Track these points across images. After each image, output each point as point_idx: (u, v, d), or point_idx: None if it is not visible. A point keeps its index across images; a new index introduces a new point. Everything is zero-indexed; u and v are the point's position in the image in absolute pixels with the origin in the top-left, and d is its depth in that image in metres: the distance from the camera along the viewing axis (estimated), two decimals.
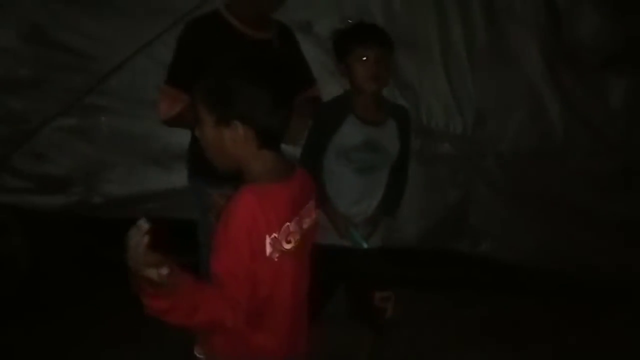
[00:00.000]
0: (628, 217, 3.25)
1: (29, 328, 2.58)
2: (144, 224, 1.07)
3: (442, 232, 3.38)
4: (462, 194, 3.34)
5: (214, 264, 1.19)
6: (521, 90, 3.22)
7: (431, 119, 3.22)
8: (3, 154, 3.13)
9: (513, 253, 3.32)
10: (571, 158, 3.28)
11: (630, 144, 3.23)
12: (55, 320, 2.64)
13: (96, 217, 3.16)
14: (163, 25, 2.91)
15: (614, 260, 3.23)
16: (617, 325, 2.93)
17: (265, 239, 1.19)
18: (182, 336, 1.26)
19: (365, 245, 2.06)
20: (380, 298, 2.08)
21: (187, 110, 1.83)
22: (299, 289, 1.34)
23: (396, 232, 3.03)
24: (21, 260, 2.97)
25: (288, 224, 1.24)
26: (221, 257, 1.19)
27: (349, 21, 2.92)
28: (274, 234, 1.20)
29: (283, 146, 1.84)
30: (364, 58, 2.01)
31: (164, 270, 1.07)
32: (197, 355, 1.35)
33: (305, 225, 1.31)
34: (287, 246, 1.24)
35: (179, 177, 2.91)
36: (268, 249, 1.20)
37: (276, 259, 1.21)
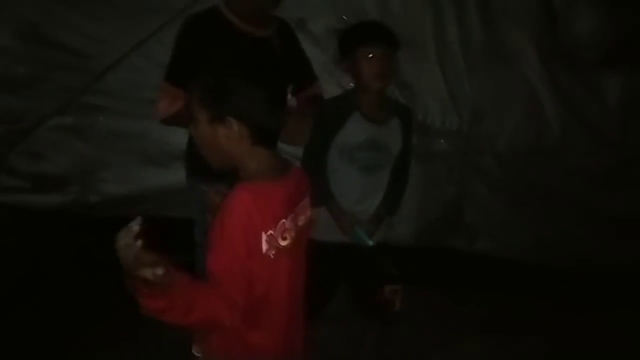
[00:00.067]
0: (624, 213, 3.27)
1: (25, 328, 2.57)
2: (134, 226, 1.07)
3: (438, 230, 3.39)
4: (458, 192, 3.35)
5: (210, 262, 1.19)
6: (517, 88, 3.23)
7: (427, 117, 3.23)
8: None
9: (509, 249, 3.33)
10: (567, 155, 3.29)
11: (627, 141, 3.25)
12: (52, 320, 2.63)
13: (93, 216, 3.16)
14: (159, 23, 2.91)
15: (610, 256, 3.25)
16: (614, 320, 2.92)
17: (261, 236, 1.19)
18: (180, 336, 1.27)
19: (370, 243, 2.06)
20: (390, 291, 2.10)
21: (185, 108, 1.82)
22: (295, 287, 1.34)
23: (393, 229, 3.04)
24: (17, 259, 2.96)
25: (284, 220, 1.24)
26: (217, 255, 1.19)
27: (344, 17, 2.93)
28: (270, 231, 1.20)
29: (284, 146, 1.86)
30: (370, 55, 2.01)
31: (159, 270, 1.07)
32: (195, 354, 1.35)
33: (300, 223, 1.32)
34: (283, 243, 1.24)
35: (176, 176, 2.91)
36: (264, 246, 1.20)
37: (272, 256, 1.21)
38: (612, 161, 3.27)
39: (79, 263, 3.01)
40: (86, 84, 3.07)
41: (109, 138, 3.16)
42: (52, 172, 3.20)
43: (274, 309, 1.27)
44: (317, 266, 2.07)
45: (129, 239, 1.06)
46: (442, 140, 3.26)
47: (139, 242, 1.06)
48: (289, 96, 2.08)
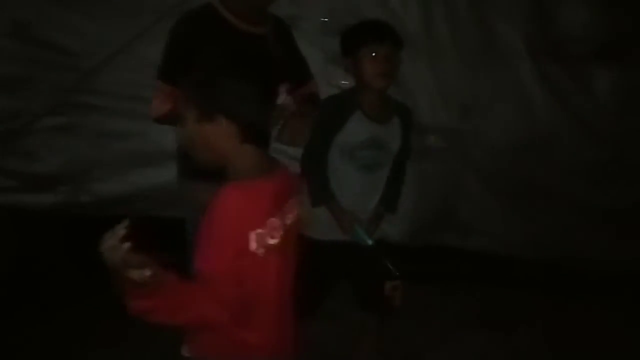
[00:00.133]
0: (616, 207, 3.29)
1: (17, 328, 2.56)
2: (120, 229, 1.07)
3: (431, 226, 3.41)
4: (450, 188, 3.36)
5: (199, 261, 1.19)
6: (508, 83, 3.25)
7: (418, 114, 3.23)
8: None
9: (502, 245, 3.35)
10: (559, 150, 3.31)
11: (617, 135, 3.27)
12: (45, 320, 2.63)
13: (86, 215, 3.15)
14: (151, 20, 2.90)
15: (603, 250, 3.28)
16: (607, 314, 2.96)
17: (249, 234, 1.19)
18: (170, 337, 1.26)
19: (370, 243, 2.06)
20: (390, 288, 2.10)
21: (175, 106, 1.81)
22: (284, 285, 1.34)
23: (385, 226, 3.05)
24: (10, 259, 2.95)
25: (272, 219, 1.24)
26: (206, 254, 1.19)
27: (324, 19, 2.91)
28: (259, 230, 1.21)
29: (284, 147, 1.85)
30: (374, 54, 2.00)
31: (146, 272, 1.07)
32: (185, 354, 1.35)
33: (288, 221, 1.32)
34: (272, 242, 1.24)
35: (168, 175, 2.90)
36: (253, 245, 1.20)
37: (261, 255, 1.21)
38: (603, 155, 3.29)
39: (72, 263, 3.00)
40: (78, 83, 3.06)
41: (102, 137, 3.15)
42: (45, 171, 3.20)
43: (263, 308, 1.27)
44: (316, 264, 2.09)
45: (114, 242, 1.06)
46: (433, 137, 3.28)
47: (126, 245, 1.06)
48: (285, 95, 2.08)
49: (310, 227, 2.12)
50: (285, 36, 2.13)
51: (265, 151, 1.33)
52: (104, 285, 1.10)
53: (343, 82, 3.10)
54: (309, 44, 2.77)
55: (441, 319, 2.95)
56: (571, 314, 3.00)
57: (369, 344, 2.36)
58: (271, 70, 1.92)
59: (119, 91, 3.05)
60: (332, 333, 2.51)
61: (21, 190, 3.20)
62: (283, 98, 2.03)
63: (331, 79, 2.85)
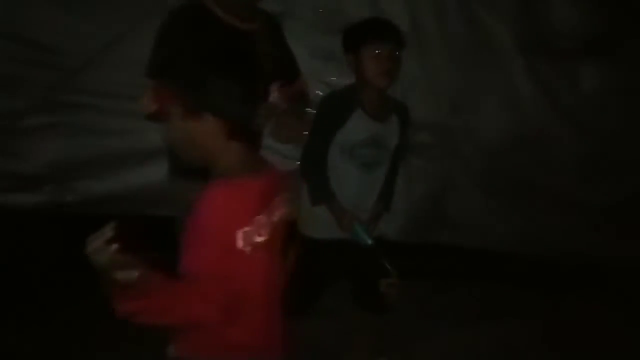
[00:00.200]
0: (606, 202, 3.32)
1: (3, 328, 2.53)
2: (106, 231, 1.06)
3: (420, 223, 3.41)
4: (439, 184, 3.37)
5: (186, 260, 1.18)
6: (497, 79, 3.26)
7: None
8: None
9: (494, 241, 3.37)
10: (548, 146, 3.33)
11: (606, 131, 3.29)
12: (35, 320, 2.60)
13: (74, 214, 3.12)
14: (138, 17, 2.87)
15: (595, 246, 3.31)
16: (595, 308, 2.99)
17: (236, 232, 1.18)
18: (158, 338, 1.25)
19: (369, 242, 2.05)
20: (386, 284, 2.11)
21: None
22: (273, 282, 1.34)
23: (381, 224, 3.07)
24: None
25: (259, 217, 1.24)
26: (192, 253, 1.18)
27: (320, 10, 2.90)
28: (246, 228, 1.20)
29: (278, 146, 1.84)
30: (377, 52, 2.00)
31: (134, 273, 1.07)
32: (171, 355, 1.33)
33: (275, 219, 1.31)
34: (259, 239, 1.23)
35: (157, 173, 2.89)
36: (240, 243, 1.19)
37: (248, 253, 1.20)
38: (592, 151, 3.31)
39: (60, 262, 2.97)
40: (63, 81, 3.03)
41: (89, 136, 3.12)
42: (32, 170, 3.16)
43: (251, 305, 1.27)
44: (314, 262, 2.09)
45: (99, 243, 1.06)
46: (422, 133, 3.28)
47: (113, 247, 1.05)
48: (276, 93, 2.07)
49: (308, 225, 2.13)
50: (275, 33, 2.12)
51: (255, 149, 1.32)
52: (94, 285, 1.09)
53: (332, 78, 3.11)
54: (296, 41, 2.77)
55: (434, 315, 2.96)
56: (564, 309, 3.03)
57: (365, 342, 2.36)
58: (260, 67, 1.91)
59: (106, 89, 3.02)
60: (329, 330, 2.52)
61: (7, 190, 3.16)
62: (274, 96, 2.02)
63: (319, 76, 2.84)
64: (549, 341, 2.80)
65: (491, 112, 3.31)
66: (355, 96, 2.07)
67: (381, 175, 2.17)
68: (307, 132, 2.05)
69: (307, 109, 2.21)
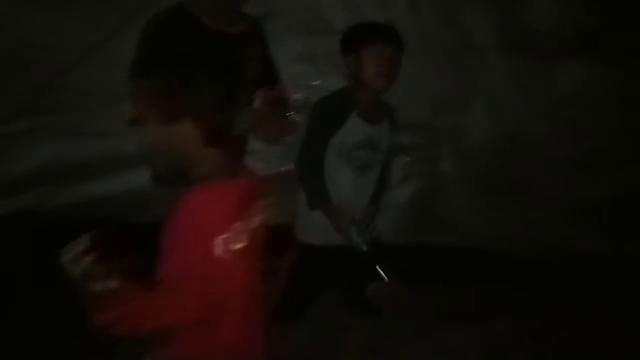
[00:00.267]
0: (584, 199, 3.36)
1: None
2: (80, 243, 1.06)
3: (405, 223, 3.43)
4: (423, 185, 3.39)
5: (163, 267, 1.17)
6: (479, 79, 3.28)
7: None
8: None
9: (480, 240, 3.40)
10: (531, 145, 3.36)
11: (588, 129, 3.33)
12: (18, 330, 2.56)
13: (54, 221, 3.09)
14: (125, 16, 2.86)
15: (581, 244, 3.36)
16: (582, 307, 3.03)
17: (214, 239, 1.18)
18: (134, 349, 1.25)
19: (365, 249, 2.03)
20: (374, 289, 2.11)
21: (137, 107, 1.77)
22: (252, 288, 1.33)
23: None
24: None
25: (237, 223, 1.23)
26: (171, 258, 1.17)
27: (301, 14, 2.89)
28: (223, 234, 1.19)
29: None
30: (378, 54, 2.00)
31: (111, 283, 1.07)
32: None
33: (253, 225, 1.31)
34: (237, 246, 1.23)
35: (142, 179, 2.87)
36: (218, 249, 1.18)
37: (226, 259, 1.20)
38: (569, 148, 3.34)
39: (43, 269, 2.93)
40: (46, 83, 3.00)
41: (74, 139, 3.09)
42: (13, 175, 3.12)
43: (230, 311, 1.26)
44: (307, 267, 2.09)
45: (73, 255, 1.06)
46: (406, 135, 3.29)
47: (88, 258, 1.05)
48: (259, 98, 2.07)
49: (305, 231, 2.13)
50: (259, 37, 2.12)
51: (234, 154, 1.32)
52: (71, 296, 1.08)
53: (315, 82, 3.12)
54: (276, 44, 2.78)
55: (415, 314, 2.96)
56: (552, 307, 3.05)
57: (353, 346, 2.37)
58: (243, 71, 1.91)
59: (89, 91, 2.99)
60: (316, 334, 2.51)
61: None
62: (257, 101, 2.02)
63: (299, 80, 2.85)
64: (538, 340, 2.81)
65: (473, 113, 3.33)
66: (351, 98, 2.07)
67: (374, 177, 2.18)
68: (290, 134, 2.05)
69: (287, 112, 2.21)
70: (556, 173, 3.37)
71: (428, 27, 3.16)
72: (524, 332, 2.85)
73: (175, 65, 1.25)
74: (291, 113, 2.30)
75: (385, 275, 2.03)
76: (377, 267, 2.02)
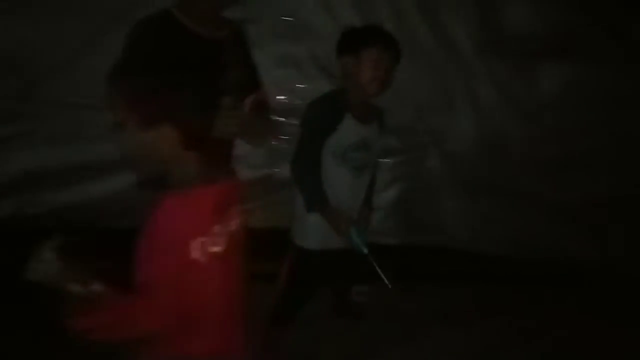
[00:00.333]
0: (568, 201, 3.38)
1: None
2: (47, 249, 1.04)
3: (389, 225, 3.43)
4: (407, 187, 3.40)
5: (140, 272, 1.16)
6: (459, 82, 3.30)
7: None
8: None
9: (462, 241, 3.42)
10: (512, 146, 3.38)
11: (567, 131, 3.36)
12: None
13: (35, 227, 3.03)
14: (97, 26, 2.84)
15: (557, 243, 3.38)
16: (567, 306, 3.07)
17: (190, 243, 1.17)
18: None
19: (365, 250, 2.03)
20: (357, 292, 2.11)
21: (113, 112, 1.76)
22: (231, 291, 1.32)
23: None
24: None
25: (214, 227, 1.23)
26: (147, 264, 1.17)
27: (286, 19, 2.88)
28: (200, 238, 1.19)
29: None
30: (377, 58, 2.00)
31: (82, 288, 1.05)
32: None
33: (231, 229, 1.30)
34: (214, 249, 1.22)
35: (122, 184, 2.85)
36: (194, 253, 1.18)
37: (203, 263, 1.19)
38: (551, 149, 3.37)
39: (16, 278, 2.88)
40: (25, 91, 2.96)
41: (48, 146, 3.05)
42: None
43: (209, 315, 1.26)
44: (304, 272, 2.09)
45: (40, 260, 1.05)
46: (389, 137, 3.30)
47: (55, 264, 1.04)
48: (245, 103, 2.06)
49: (302, 236, 2.12)
50: (243, 42, 2.12)
51: (220, 158, 1.31)
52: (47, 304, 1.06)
53: (297, 85, 3.11)
54: (258, 47, 2.78)
55: (401, 316, 2.95)
56: (535, 308, 3.06)
57: (341, 349, 2.37)
58: (226, 76, 1.92)
59: (67, 99, 2.96)
60: (304, 338, 2.50)
61: None
62: (243, 105, 2.02)
63: (281, 83, 2.84)
64: (522, 341, 2.80)
65: (457, 115, 3.35)
66: (344, 100, 2.07)
67: (368, 178, 2.19)
68: (273, 137, 2.05)
69: (270, 115, 2.21)
70: (541, 174, 3.40)
71: (411, 31, 3.17)
72: (515, 333, 2.85)
73: (154, 70, 1.24)
74: (274, 116, 2.29)
75: (386, 278, 2.03)
76: (378, 270, 2.03)
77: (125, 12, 2.63)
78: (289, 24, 3.06)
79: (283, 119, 2.97)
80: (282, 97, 3.10)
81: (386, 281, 2.03)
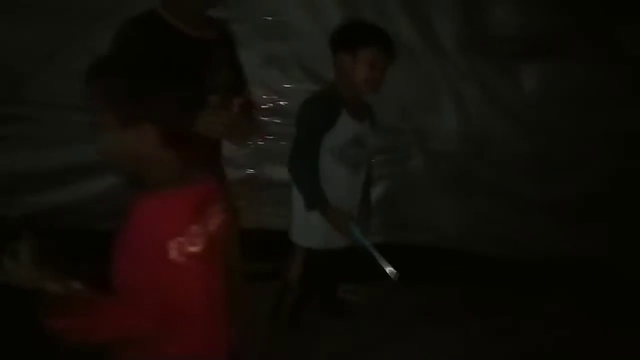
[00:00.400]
0: (549, 198, 3.41)
1: None
2: (25, 242, 1.03)
3: (376, 224, 3.43)
4: (389, 186, 3.40)
5: (116, 275, 1.15)
6: (439, 80, 3.31)
7: None
8: None
9: (447, 239, 3.43)
10: (494, 145, 3.40)
11: (549, 129, 3.39)
12: None
13: (16, 230, 2.99)
14: (81, 27, 2.82)
15: (539, 241, 3.40)
16: (549, 304, 3.07)
17: (167, 244, 1.16)
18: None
19: (367, 243, 2.04)
20: (344, 291, 2.12)
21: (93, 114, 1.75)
22: (213, 292, 1.31)
23: None
24: None
25: (192, 227, 1.21)
26: (125, 266, 1.16)
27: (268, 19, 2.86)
28: (178, 238, 1.17)
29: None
30: (375, 59, 2.01)
31: (65, 285, 1.04)
32: None
33: (211, 228, 1.29)
34: (193, 249, 1.20)
35: (102, 186, 2.82)
36: (172, 254, 1.16)
37: (182, 264, 1.18)
38: (533, 147, 3.39)
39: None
40: (4, 92, 2.92)
41: (33, 148, 3.02)
42: None
43: (189, 316, 1.24)
44: (309, 273, 2.08)
45: (14, 259, 1.04)
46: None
47: (26, 264, 1.03)
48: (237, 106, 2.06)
49: (304, 236, 2.12)
50: (230, 42, 2.14)
51: (203, 158, 1.29)
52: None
53: (282, 85, 3.10)
54: (243, 47, 2.77)
55: (384, 315, 2.96)
56: (520, 306, 3.07)
57: (331, 347, 2.37)
58: (213, 76, 1.91)
59: (47, 100, 2.93)
60: (295, 337, 2.50)
61: None
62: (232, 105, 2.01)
63: (266, 83, 2.83)
64: (508, 339, 2.81)
65: (440, 114, 3.36)
66: (338, 97, 2.07)
67: (363, 175, 2.19)
68: (258, 137, 2.05)
69: (256, 115, 2.21)
70: (526, 173, 3.42)
71: (395, 29, 3.15)
72: (496, 333, 2.85)
73: (137, 69, 1.22)
74: (259, 116, 2.29)
75: (393, 273, 2.03)
76: (382, 263, 2.03)
77: (109, 11, 2.62)
78: (272, 24, 3.05)
79: (267, 119, 2.98)
80: (266, 97, 3.09)
81: (390, 273, 2.03)
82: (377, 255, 2.02)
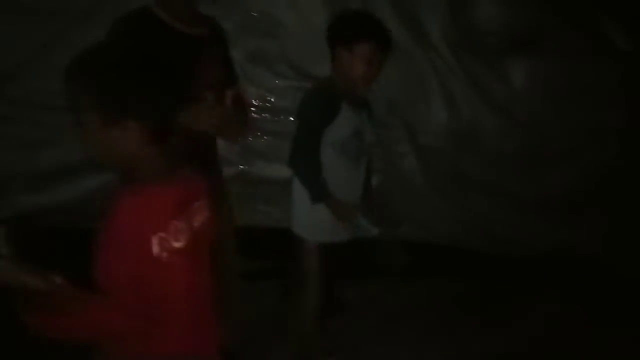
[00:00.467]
0: (537, 194, 3.43)
1: None
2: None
3: (369, 219, 3.43)
4: (379, 181, 3.41)
5: (98, 270, 1.14)
6: (428, 75, 3.32)
7: None
8: None
9: (435, 234, 3.43)
10: (482, 140, 3.41)
11: (537, 123, 3.41)
12: None
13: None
14: (64, 25, 2.79)
15: (529, 236, 3.42)
16: (539, 300, 3.09)
17: (150, 239, 1.14)
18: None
19: (375, 232, 2.07)
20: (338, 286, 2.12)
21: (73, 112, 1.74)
22: (199, 287, 1.30)
23: None
24: None
25: (176, 222, 1.19)
26: (105, 264, 1.15)
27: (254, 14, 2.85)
28: (160, 233, 1.15)
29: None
30: (371, 55, 2.00)
31: (45, 279, 1.03)
32: None
33: (196, 224, 1.27)
34: (177, 245, 1.19)
35: (89, 184, 2.80)
36: (155, 249, 1.14)
37: (165, 259, 1.16)
38: (522, 142, 3.41)
39: None
40: None
41: (17, 148, 2.99)
42: None
43: (174, 312, 1.23)
44: (315, 266, 2.08)
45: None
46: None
47: (8, 255, 1.02)
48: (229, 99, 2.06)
49: (309, 229, 2.12)
50: (220, 38, 2.14)
51: (193, 154, 1.29)
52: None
53: (271, 82, 3.10)
54: (231, 44, 2.77)
55: (377, 310, 2.97)
56: (509, 301, 3.08)
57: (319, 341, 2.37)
58: (204, 72, 1.93)
59: (34, 100, 2.90)
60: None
61: None
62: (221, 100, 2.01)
63: (253, 79, 2.83)
64: (497, 335, 2.81)
65: (429, 109, 3.37)
66: (337, 91, 2.07)
67: (363, 169, 2.20)
68: (249, 133, 2.04)
69: (246, 111, 2.22)
70: (514, 167, 3.43)
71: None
72: (484, 329, 2.85)
73: (127, 66, 1.21)
74: (250, 112, 2.29)
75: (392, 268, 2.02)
76: (391, 252, 2.03)
77: (93, 9, 2.60)
78: (259, 21, 3.05)
79: (255, 116, 2.97)
80: (255, 94, 3.08)
81: (399, 260, 2.04)
82: (386, 246, 2.04)
